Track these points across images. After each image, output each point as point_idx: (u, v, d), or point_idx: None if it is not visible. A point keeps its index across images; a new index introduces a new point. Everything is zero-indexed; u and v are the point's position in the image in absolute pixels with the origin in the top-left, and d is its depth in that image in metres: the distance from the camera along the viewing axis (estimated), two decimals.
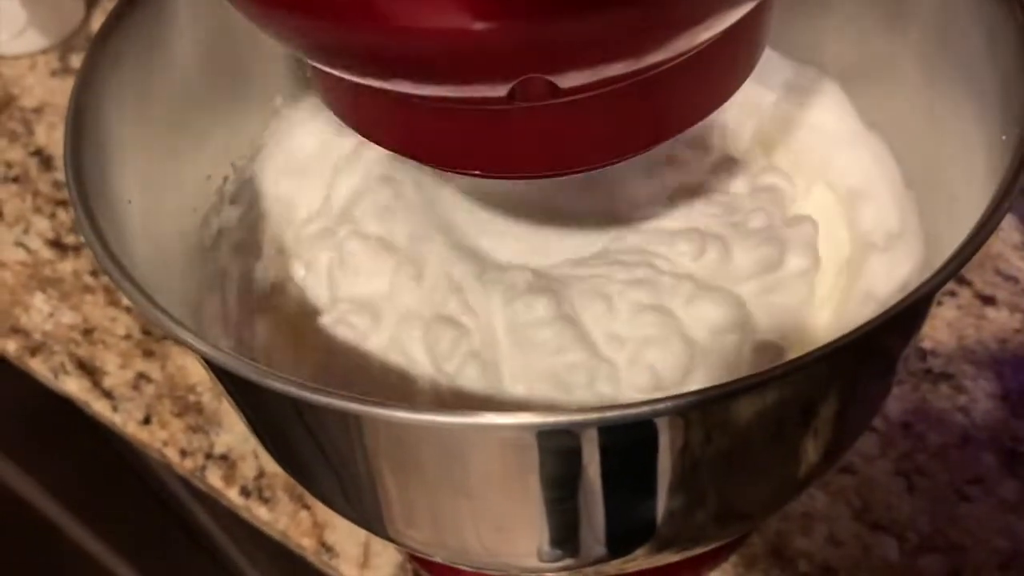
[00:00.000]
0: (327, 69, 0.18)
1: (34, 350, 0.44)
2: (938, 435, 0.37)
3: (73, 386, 0.42)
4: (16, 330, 0.44)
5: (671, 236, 0.28)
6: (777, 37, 0.32)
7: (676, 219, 0.29)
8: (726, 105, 0.21)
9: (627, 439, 0.19)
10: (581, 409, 0.17)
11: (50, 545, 0.61)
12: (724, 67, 0.19)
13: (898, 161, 0.29)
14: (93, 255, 0.19)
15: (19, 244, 0.48)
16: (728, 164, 0.31)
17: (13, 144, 0.53)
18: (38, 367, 0.43)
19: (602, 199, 0.29)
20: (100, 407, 0.42)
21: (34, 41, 0.56)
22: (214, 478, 0.39)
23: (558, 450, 0.19)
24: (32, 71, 0.56)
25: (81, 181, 0.21)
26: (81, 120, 0.22)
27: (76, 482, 0.60)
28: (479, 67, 0.16)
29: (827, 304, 0.30)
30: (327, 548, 0.37)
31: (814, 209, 0.31)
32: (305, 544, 0.37)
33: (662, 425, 0.19)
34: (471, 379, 0.26)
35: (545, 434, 0.18)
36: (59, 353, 0.43)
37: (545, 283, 0.27)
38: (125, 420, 0.41)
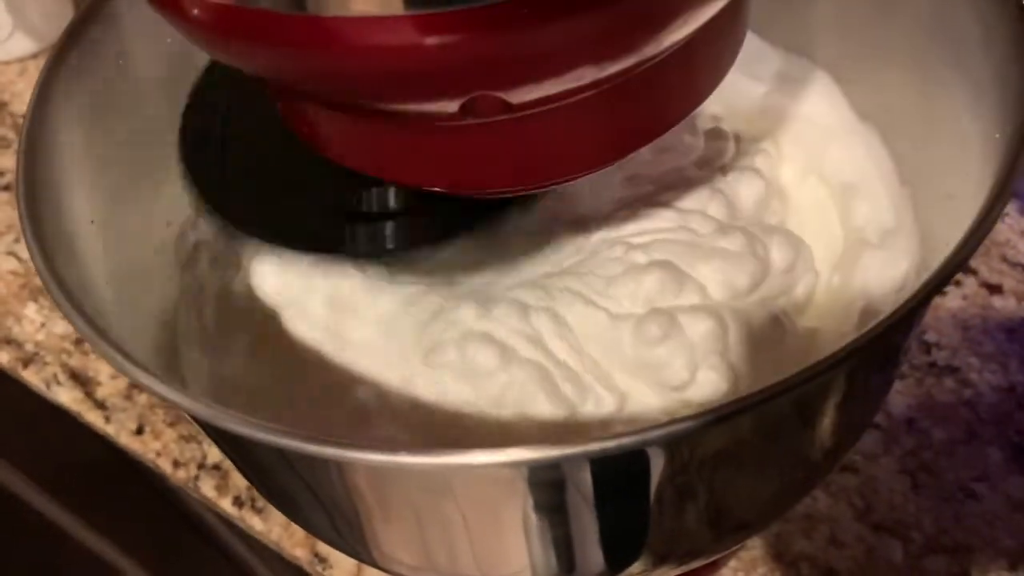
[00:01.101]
0: (277, 86, 0.17)
1: (26, 361, 0.43)
2: (943, 431, 0.36)
3: (66, 397, 0.42)
4: (8, 341, 0.44)
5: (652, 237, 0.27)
6: (767, 26, 0.31)
7: (658, 219, 0.27)
8: (716, 95, 0.20)
9: (619, 466, 0.18)
10: (570, 443, 0.16)
11: (54, 546, 0.61)
12: (692, 73, 0.18)
13: (892, 156, 0.28)
14: (47, 290, 0.19)
15: (10, 253, 0.47)
16: (716, 158, 0.30)
17: (5, 151, 0.52)
18: (31, 378, 0.43)
19: (584, 203, 0.28)
20: (93, 417, 0.41)
21: (23, 46, 0.55)
22: (207, 488, 0.38)
23: (547, 481, 0.19)
24: (22, 76, 0.56)
25: (35, 208, 0.20)
26: (36, 140, 0.22)
27: (77, 481, 0.60)
28: (426, 85, 0.15)
29: (822, 302, 0.29)
30: (320, 559, 0.36)
31: (807, 203, 0.30)
32: (299, 555, 0.36)
33: (654, 453, 0.18)
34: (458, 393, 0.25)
35: (534, 469, 0.17)
36: (51, 364, 0.43)
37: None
38: (118, 430, 0.41)
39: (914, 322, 0.24)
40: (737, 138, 0.30)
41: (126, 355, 0.18)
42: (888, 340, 0.19)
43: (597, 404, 0.24)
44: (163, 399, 0.17)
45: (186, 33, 0.16)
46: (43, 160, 0.22)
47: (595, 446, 0.16)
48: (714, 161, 0.30)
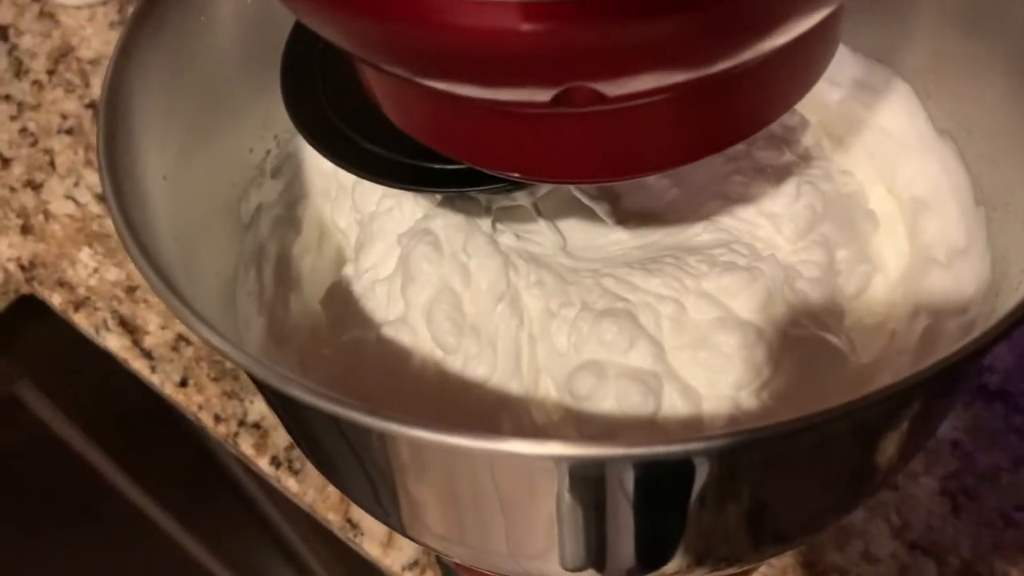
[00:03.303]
0: (370, 63, 0.17)
1: (78, 305, 0.44)
2: (988, 456, 0.35)
3: (114, 343, 0.43)
4: (62, 283, 0.45)
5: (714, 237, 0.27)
6: (851, 34, 0.30)
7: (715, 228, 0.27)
8: None
9: (663, 471, 0.18)
10: (613, 443, 0.16)
11: (89, 487, 0.62)
12: (786, 77, 0.18)
13: (969, 173, 0.27)
14: (121, 243, 0.19)
15: (69, 197, 0.48)
16: (787, 135, 0.29)
17: (69, 95, 0.53)
18: (81, 322, 0.44)
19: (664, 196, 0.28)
20: (139, 366, 0.42)
21: None
22: (246, 445, 0.39)
23: (588, 478, 0.18)
24: (91, 22, 0.56)
25: (114, 163, 0.20)
26: (118, 94, 0.22)
27: (118, 426, 0.61)
28: (523, 73, 0.15)
29: (882, 315, 0.28)
30: (352, 525, 0.37)
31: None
32: (331, 519, 0.37)
33: (701, 461, 0.18)
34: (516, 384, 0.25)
35: (575, 465, 0.17)
36: (102, 309, 0.44)
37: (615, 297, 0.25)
38: (163, 381, 0.41)
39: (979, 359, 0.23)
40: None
41: (196, 313, 0.18)
42: (949, 377, 0.19)
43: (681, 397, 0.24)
44: (233, 360, 0.17)
45: (289, 3, 0.16)
46: (123, 114, 0.22)
47: (640, 450, 0.16)
48: (787, 138, 0.29)
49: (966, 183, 0.27)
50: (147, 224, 0.21)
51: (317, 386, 0.17)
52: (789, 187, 0.27)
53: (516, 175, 0.19)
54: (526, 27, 0.14)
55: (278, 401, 0.22)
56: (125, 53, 0.23)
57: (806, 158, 0.28)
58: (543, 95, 0.15)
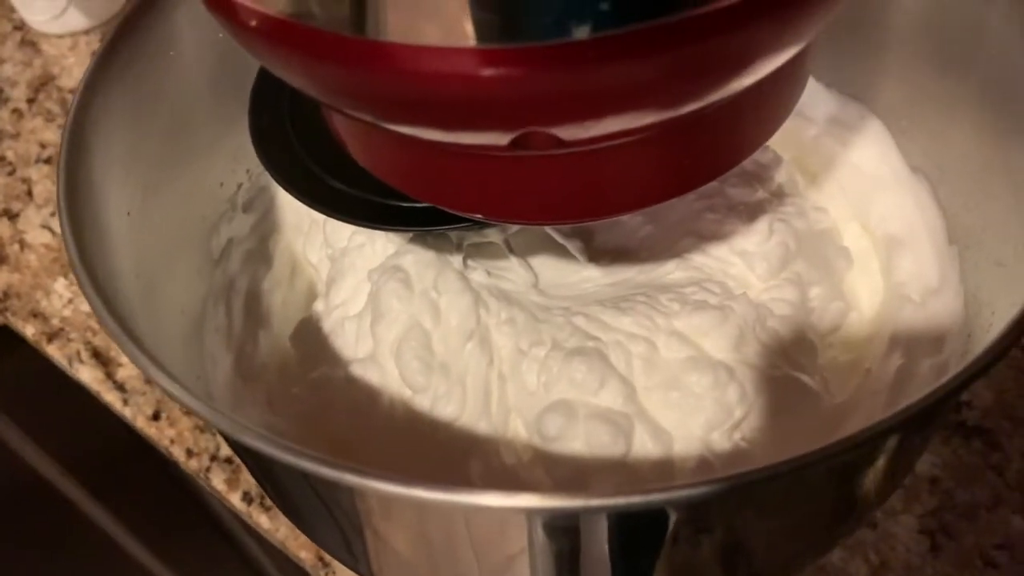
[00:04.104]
0: (334, 108, 0.17)
1: (51, 336, 0.43)
2: (967, 493, 0.35)
3: (87, 375, 0.42)
4: (35, 314, 0.44)
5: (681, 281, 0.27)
6: (826, 70, 0.30)
7: (685, 267, 0.27)
8: None
9: (636, 520, 0.18)
10: (584, 494, 0.16)
11: (64, 520, 0.61)
12: (755, 114, 0.17)
13: (942, 211, 0.27)
14: (77, 282, 0.18)
15: (45, 227, 0.48)
16: (760, 173, 0.29)
17: (48, 124, 0.53)
18: (54, 353, 0.43)
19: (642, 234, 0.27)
20: (112, 399, 0.41)
21: (76, 21, 0.56)
22: (218, 481, 0.38)
23: (559, 527, 0.18)
24: (73, 51, 0.56)
25: (74, 201, 0.20)
26: (81, 129, 0.22)
27: (91, 457, 0.60)
28: (482, 118, 0.15)
29: (856, 353, 0.28)
30: (324, 563, 0.36)
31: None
32: (303, 556, 0.36)
33: (673, 511, 0.17)
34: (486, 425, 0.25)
35: (547, 516, 0.17)
36: (75, 341, 0.43)
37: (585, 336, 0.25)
38: (135, 414, 0.41)
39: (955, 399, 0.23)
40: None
41: (154, 359, 0.18)
42: (924, 418, 0.19)
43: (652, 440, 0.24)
44: (189, 408, 0.17)
45: (241, 42, 0.16)
46: (86, 150, 0.22)
47: (610, 501, 0.16)
48: (760, 175, 0.29)
49: (939, 221, 0.27)
50: (107, 261, 0.21)
51: (278, 438, 0.17)
52: (762, 224, 0.26)
53: (479, 216, 0.19)
54: (482, 72, 0.13)
55: (241, 448, 0.22)
56: (91, 88, 0.23)
57: (779, 195, 0.28)
58: (502, 139, 0.15)
